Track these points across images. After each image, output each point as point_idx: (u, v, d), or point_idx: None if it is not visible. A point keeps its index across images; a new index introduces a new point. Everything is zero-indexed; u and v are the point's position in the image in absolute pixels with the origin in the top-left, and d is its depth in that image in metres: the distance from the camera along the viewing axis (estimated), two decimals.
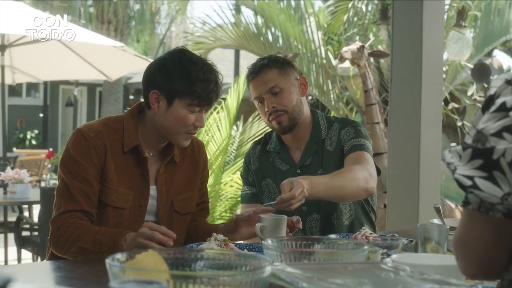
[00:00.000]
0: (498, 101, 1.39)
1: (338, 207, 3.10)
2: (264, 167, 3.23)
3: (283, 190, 2.57)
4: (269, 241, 1.89)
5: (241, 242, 2.61)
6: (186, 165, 2.84)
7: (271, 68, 3.09)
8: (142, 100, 2.75)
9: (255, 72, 3.11)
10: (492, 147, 1.31)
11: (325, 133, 3.16)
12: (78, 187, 2.56)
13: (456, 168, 1.36)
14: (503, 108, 1.37)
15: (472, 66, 7.42)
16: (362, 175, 2.86)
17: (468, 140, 1.40)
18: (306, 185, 2.59)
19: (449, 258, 1.81)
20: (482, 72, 6.82)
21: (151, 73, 2.67)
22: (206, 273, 1.49)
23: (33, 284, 1.95)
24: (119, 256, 1.48)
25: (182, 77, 2.58)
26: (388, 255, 2.08)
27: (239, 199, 6.25)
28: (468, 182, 1.34)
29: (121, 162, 2.64)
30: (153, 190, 2.71)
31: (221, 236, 2.35)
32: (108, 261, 1.43)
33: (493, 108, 1.39)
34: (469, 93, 7.48)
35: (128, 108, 2.86)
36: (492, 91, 1.45)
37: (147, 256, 1.52)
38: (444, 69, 8.40)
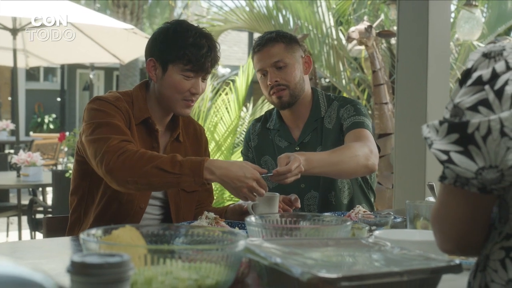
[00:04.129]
0: (475, 75, 1.38)
1: (336, 185, 3.11)
2: (264, 144, 3.25)
3: (279, 164, 2.58)
4: (252, 218, 1.90)
5: (233, 220, 2.62)
6: (189, 145, 2.88)
7: (278, 42, 3.11)
8: None
9: (262, 45, 3.12)
10: (467, 121, 1.30)
11: (324, 111, 3.17)
12: (116, 123, 2.56)
13: (432, 142, 1.36)
14: (479, 81, 1.36)
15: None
16: (362, 151, 2.86)
17: (446, 114, 1.39)
18: (302, 160, 2.60)
19: (431, 233, 1.81)
20: None
21: (149, 43, 2.75)
22: (179, 247, 1.50)
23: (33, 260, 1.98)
24: (94, 231, 1.49)
25: (173, 43, 2.63)
26: None
27: None
28: (444, 157, 1.33)
29: (135, 132, 2.67)
30: None
31: (211, 214, 2.36)
32: (82, 236, 1.44)
33: (469, 81, 1.38)
34: None
35: None
36: (469, 65, 1.44)
37: (124, 231, 1.53)
38: (456, 49, 8.35)
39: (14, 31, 7.73)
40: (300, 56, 3.15)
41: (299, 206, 2.79)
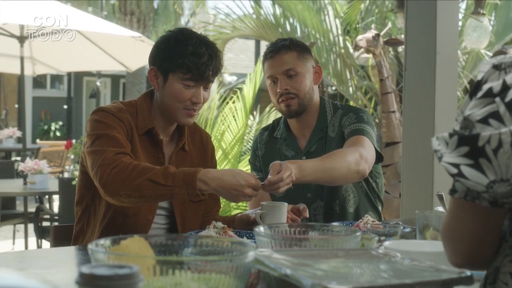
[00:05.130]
0: (485, 87, 1.36)
1: (340, 194, 3.10)
2: (271, 153, 3.24)
3: (271, 172, 2.55)
4: (261, 228, 1.88)
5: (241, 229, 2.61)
6: (196, 154, 2.85)
7: (291, 50, 3.10)
8: None
9: (274, 51, 3.11)
10: (478, 134, 1.28)
11: (329, 119, 3.17)
12: (115, 135, 2.55)
13: (442, 155, 1.34)
14: (489, 94, 1.34)
15: (491, 55, 7.35)
16: (352, 157, 2.83)
17: (456, 126, 1.37)
18: (294, 168, 2.58)
19: (442, 244, 1.79)
20: None
21: (151, 51, 2.73)
22: (188, 258, 1.49)
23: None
24: (102, 241, 1.48)
25: (173, 51, 2.61)
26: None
27: None
28: (454, 170, 1.32)
29: (138, 143, 2.65)
30: None
31: (220, 224, 2.35)
32: (91, 247, 1.43)
33: (479, 94, 1.36)
34: None
35: None
36: (479, 76, 1.42)
37: (133, 242, 1.51)
38: (464, 57, 8.34)
39: (21, 39, 7.74)
40: (311, 66, 3.15)
41: (308, 216, 2.77)
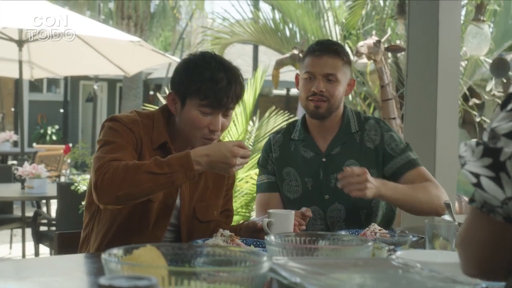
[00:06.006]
0: None
1: (370, 204, 3.10)
2: (286, 155, 3.24)
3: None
4: (272, 237, 1.87)
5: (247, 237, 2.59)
6: (210, 172, 2.73)
7: (340, 56, 3.12)
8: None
9: (323, 51, 3.12)
10: (501, 148, 1.26)
11: (354, 127, 3.19)
12: (122, 144, 2.51)
13: (465, 162, 1.32)
14: None
15: (491, 61, 7.34)
16: (434, 193, 3.01)
17: (484, 136, 1.35)
18: (376, 181, 2.80)
19: (455, 255, 1.78)
20: (501, 67, 6.73)
21: (172, 75, 2.66)
22: (203, 269, 1.47)
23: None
24: (115, 251, 1.46)
25: (191, 76, 2.53)
26: (395, 252, 2.06)
27: (255, 195, 6.23)
28: (474, 180, 1.30)
29: (148, 158, 2.55)
30: (178, 193, 2.67)
31: (227, 232, 2.34)
32: (104, 256, 1.41)
33: (509, 106, 1.34)
34: (487, 89, 7.39)
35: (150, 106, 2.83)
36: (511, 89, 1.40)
37: (145, 251, 1.50)
38: (463, 64, 8.33)
39: (20, 43, 7.73)
40: (348, 78, 3.18)
41: (311, 214, 2.78)
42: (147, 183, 2.34)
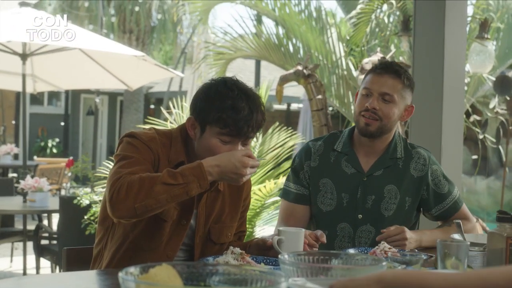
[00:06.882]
0: None
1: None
2: (325, 166, 3.19)
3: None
4: (286, 256, 1.86)
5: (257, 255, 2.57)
6: (229, 194, 2.75)
7: (400, 79, 3.09)
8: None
9: (385, 70, 3.11)
10: None
11: (400, 153, 3.17)
12: (139, 159, 2.50)
13: None
14: None
15: (494, 79, 7.35)
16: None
17: None
18: (415, 235, 2.93)
19: None
20: (504, 84, 6.75)
21: (192, 100, 2.62)
22: (218, 287, 1.46)
23: None
24: (132, 270, 1.46)
25: (212, 103, 2.50)
26: None
27: (258, 210, 6.21)
28: None
29: None
30: (194, 214, 2.65)
31: (237, 250, 2.33)
32: (121, 275, 1.40)
33: None
34: (491, 106, 7.40)
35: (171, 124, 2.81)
36: None
37: (161, 270, 1.49)
38: (466, 81, 8.35)
39: (23, 56, 7.74)
40: (407, 103, 3.14)
41: (325, 241, 2.72)
42: (162, 194, 2.35)
